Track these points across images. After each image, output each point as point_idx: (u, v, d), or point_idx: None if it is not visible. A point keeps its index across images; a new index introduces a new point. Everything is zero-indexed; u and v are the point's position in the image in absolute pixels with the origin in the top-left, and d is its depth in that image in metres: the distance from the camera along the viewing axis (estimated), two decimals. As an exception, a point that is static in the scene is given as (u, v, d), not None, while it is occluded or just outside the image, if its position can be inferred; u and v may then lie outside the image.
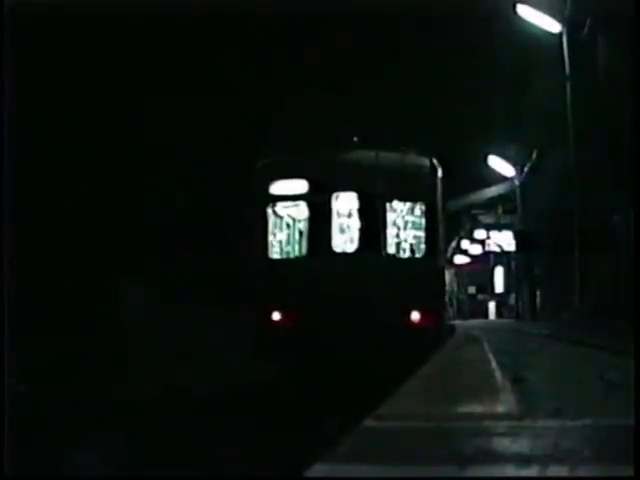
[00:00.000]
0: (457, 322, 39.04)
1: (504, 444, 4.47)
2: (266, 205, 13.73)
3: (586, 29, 22.88)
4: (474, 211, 46.47)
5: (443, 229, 14.08)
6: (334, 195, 13.46)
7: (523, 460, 3.94)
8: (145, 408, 11.62)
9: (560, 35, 22.95)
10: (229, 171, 28.07)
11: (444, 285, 15.18)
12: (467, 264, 57.89)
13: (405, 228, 13.52)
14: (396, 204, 13.55)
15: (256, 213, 13.80)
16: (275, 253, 13.82)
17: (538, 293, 37.05)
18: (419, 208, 13.55)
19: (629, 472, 3.68)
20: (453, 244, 51.35)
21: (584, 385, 7.52)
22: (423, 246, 13.57)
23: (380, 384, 8.45)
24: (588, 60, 22.91)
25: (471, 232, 49.02)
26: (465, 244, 52.72)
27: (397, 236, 13.54)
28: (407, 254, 13.62)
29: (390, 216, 13.48)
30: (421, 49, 32.84)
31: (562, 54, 22.82)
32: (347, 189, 13.47)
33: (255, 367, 16.65)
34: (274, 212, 13.78)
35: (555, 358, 12.21)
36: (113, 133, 28.37)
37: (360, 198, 13.42)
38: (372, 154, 13.58)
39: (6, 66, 8.71)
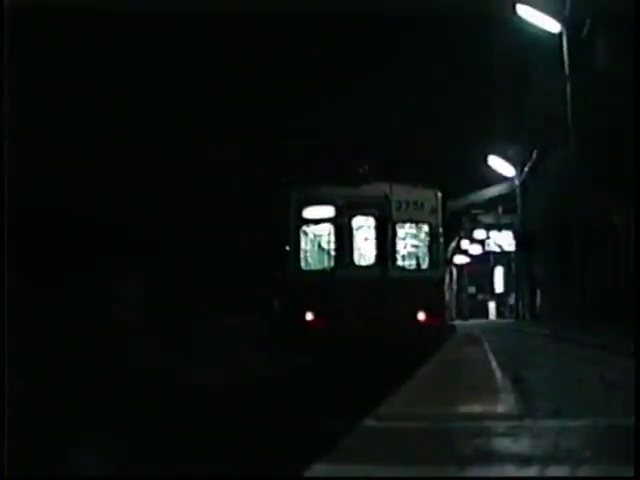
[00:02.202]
0: (457, 322, 39.05)
1: (504, 444, 4.48)
2: (299, 226, 16.48)
3: (586, 29, 22.86)
4: (474, 211, 46.46)
5: (443, 245, 17.01)
6: (355, 218, 16.40)
7: (523, 460, 3.94)
8: (142, 408, 11.62)
9: (560, 35, 22.91)
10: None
11: (444, 291, 18.14)
12: (467, 264, 57.85)
13: (412, 245, 16.46)
14: (405, 226, 16.43)
15: (291, 232, 16.48)
16: (306, 265, 16.55)
17: (538, 293, 37.04)
18: (423, 229, 16.43)
19: (629, 472, 3.68)
20: (453, 244, 51.39)
21: (584, 385, 7.52)
22: (427, 259, 16.38)
23: (393, 375, 9.00)
24: (588, 60, 22.89)
25: (471, 232, 48.99)
26: (465, 244, 52.70)
27: (406, 251, 16.43)
28: (414, 266, 16.45)
29: (400, 235, 16.39)
30: (421, 50, 32.86)
31: (562, 54, 22.79)
32: (366, 214, 16.42)
33: (256, 366, 16.67)
34: (305, 232, 16.58)
35: (555, 358, 12.21)
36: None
37: (376, 221, 16.36)
38: (386, 186, 16.42)
39: (6, 67, 8.72)
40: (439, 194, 16.64)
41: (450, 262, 50.27)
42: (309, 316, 15.72)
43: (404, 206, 16.28)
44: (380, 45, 35.17)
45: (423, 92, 34.19)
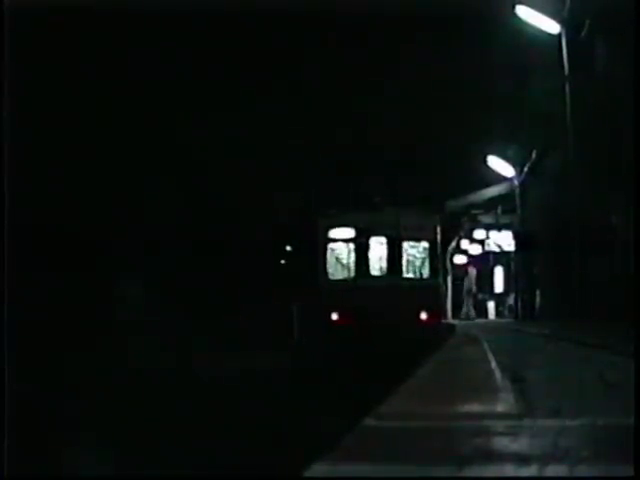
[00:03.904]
0: (456, 322, 39.03)
1: (504, 444, 4.48)
2: (326, 244, 20.00)
3: (585, 30, 22.86)
4: (474, 211, 46.43)
5: (442, 259, 21.00)
6: (371, 238, 19.95)
7: (523, 460, 3.95)
8: (142, 408, 11.63)
9: (559, 36, 22.91)
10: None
11: (441, 295, 21.77)
12: (467, 264, 57.78)
13: (416, 258, 20.00)
14: (411, 243, 19.95)
15: (319, 249, 19.96)
16: (333, 276, 19.99)
17: (537, 293, 37.02)
18: (425, 246, 19.99)
19: (628, 472, 3.69)
20: (453, 244, 51.42)
21: (583, 385, 7.52)
22: (428, 270, 19.98)
23: (393, 374, 9.49)
24: (587, 61, 22.90)
25: (471, 232, 48.97)
26: (465, 244, 52.67)
27: (411, 264, 19.98)
28: (417, 276, 20.05)
29: (407, 251, 19.93)
30: (421, 50, 32.85)
31: (561, 55, 22.78)
32: (379, 234, 19.98)
33: (255, 366, 16.70)
34: (331, 249, 20.07)
35: (554, 358, 12.22)
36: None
37: (388, 240, 19.88)
38: (396, 212, 20.34)
39: (7, 66, 8.72)
40: (437, 217, 20.63)
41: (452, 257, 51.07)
42: (334, 316, 19.22)
43: (410, 228, 19.89)
44: (380, 45, 35.17)
45: (422, 92, 34.20)
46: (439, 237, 20.26)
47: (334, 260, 19.95)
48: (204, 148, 31.46)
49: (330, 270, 19.90)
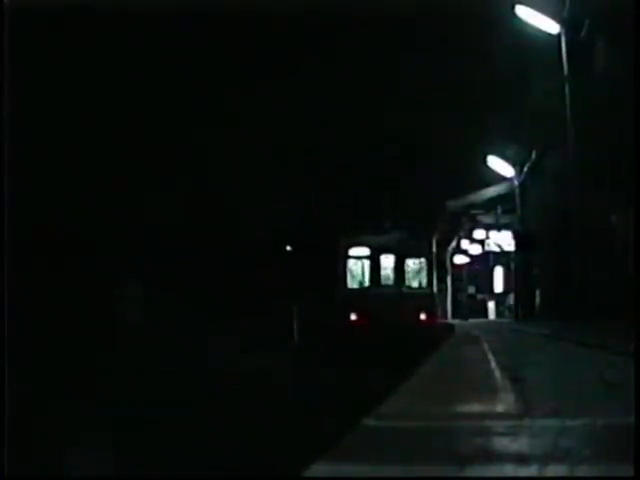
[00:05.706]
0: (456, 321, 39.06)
1: (504, 443, 4.49)
2: (346, 260, 24.36)
3: (584, 30, 22.87)
4: (474, 211, 46.42)
5: (435, 272, 25.09)
6: (381, 255, 24.31)
7: (523, 459, 3.95)
8: (143, 408, 11.64)
9: (559, 36, 22.91)
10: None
11: (436, 300, 25.76)
12: (467, 264, 57.77)
13: (415, 272, 24.44)
14: (412, 260, 24.40)
15: (340, 264, 24.29)
16: (351, 285, 24.28)
17: (537, 293, 37.01)
18: (422, 262, 24.46)
19: (628, 472, 3.69)
20: (453, 244, 51.45)
21: (583, 385, 7.53)
22: (425, 281, 24.48)
23: (393, 374, 10.02)
24: (587, 61, 22.90)
25: (470, 232, 48.97)
26: (465, 244, 52.66)
27: (411, 276, 24.40)
28: (416, 285, 24.37)
29: (408, 265, 24.39)
30: (421, 50, 32.86)
31: (561, 55, 22.78)
32: (387, 252, 24.38)
33: (255, 366, 16.71)
34: (350, 263, 24.38)
35: (554, 358, 12.22)
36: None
37: (394, 257, 24.27)
38: (400, 234, 24.72)
39: (7, 66, 8.72)
40: (432, 239, 25.45)
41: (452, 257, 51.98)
42: (353, 317, 23.39)
43: (410, 248, 24.31)
44: (380, 46, 35.18)
45: (422, 92, 34.20)
46: (434, 254, 25.04)
47: (352, 272, 24.40)
48: (204, 148, 31.47)
49: (349, 280, 24.31)
